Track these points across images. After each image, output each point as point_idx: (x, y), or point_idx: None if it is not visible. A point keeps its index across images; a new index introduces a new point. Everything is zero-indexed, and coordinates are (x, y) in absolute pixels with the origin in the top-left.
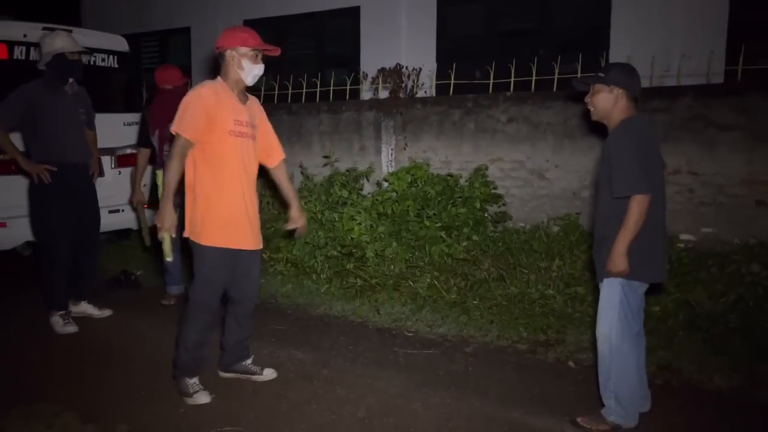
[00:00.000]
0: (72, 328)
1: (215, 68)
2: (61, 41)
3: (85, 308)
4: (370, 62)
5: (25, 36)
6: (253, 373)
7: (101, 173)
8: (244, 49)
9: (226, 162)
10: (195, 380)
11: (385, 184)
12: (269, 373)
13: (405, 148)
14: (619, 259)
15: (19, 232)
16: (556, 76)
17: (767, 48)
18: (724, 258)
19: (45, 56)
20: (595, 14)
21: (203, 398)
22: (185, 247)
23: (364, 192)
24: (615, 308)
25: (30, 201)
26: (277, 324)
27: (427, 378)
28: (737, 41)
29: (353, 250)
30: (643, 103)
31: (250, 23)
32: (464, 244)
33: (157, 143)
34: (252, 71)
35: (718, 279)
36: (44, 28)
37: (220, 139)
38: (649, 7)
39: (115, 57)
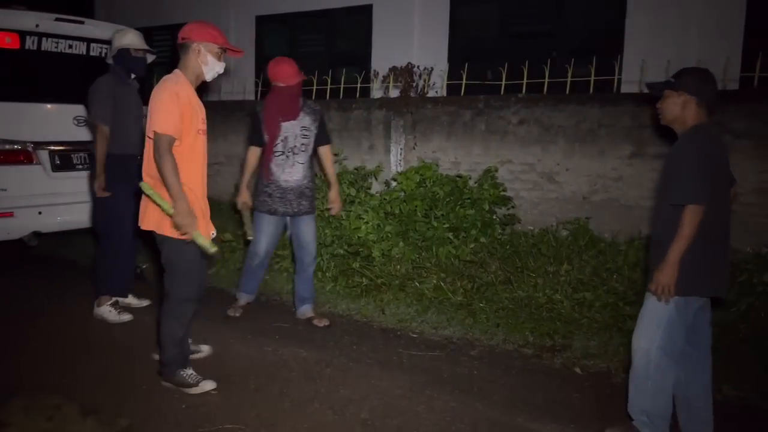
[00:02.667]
0: (127, 317)
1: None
2: (129, 38)
3: (129, 299)
4: (381, 61)
5: (37, 26)
6: (193, 353)
7: None
8: (211, 45)
9: (197, 158)
10: (191, 371)
11: (394, 184)
12: (206, 349)
13: (414, 148)
14: (671, 269)
15: (26, 222)
16: (569, 78)
17: None
18: (736, 267)
19: (112, 50)
20: (610, 17)
21: (209, 385)
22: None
23: (372, 191)
24: (661, 325)
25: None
26: (281, 321)
27: (431, 380)
28: (753, 48)
29: (360, 249)
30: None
31: (262, 19)
32: (472, 245)
33: (267, 141)
34: (214, 68)
35: (729, 288)
36: (56, 19)
37: (193, 137)
38: (664, 11)
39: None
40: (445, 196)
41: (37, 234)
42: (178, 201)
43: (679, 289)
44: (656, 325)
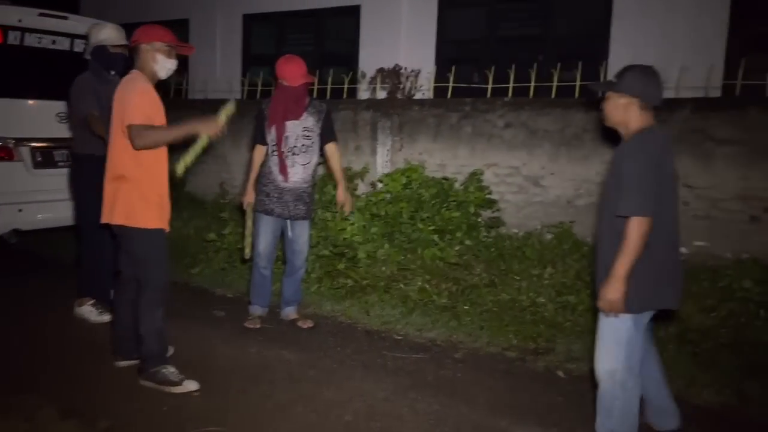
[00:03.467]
0: (108, 317)
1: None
2: (105, 33)
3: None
4: (368, 62)
5: (20, 21)
6: None
7: None
8: (159, 44)
9: (162, 154)
10: (173, 368)
11: (380, 185)
12: (169, 349)
13: (401, 150)
14: (618, 284)
15: (6, 220)
16: (555, 83)
17: (766, 62)
18: (716, 273)
19: (89, 46)
20: (596, 23)
21: (192, 385)
22: None
23: (358, 192)
24: (622, 344)
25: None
26: (265, 322)
27: (415, 383)
28: (736, 55)
29: (345, 251)
30: None
31: (249, 18)
32: (457, 248)
33: (275, 140)
34: (166, 65)
35: (709, 293)
36: (40, 14)
37: None
38: (649, 18)
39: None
40: (430, 198)
41: (17, 231)
42: (189, 127)
43: (635, 306)
44: (616, 344)
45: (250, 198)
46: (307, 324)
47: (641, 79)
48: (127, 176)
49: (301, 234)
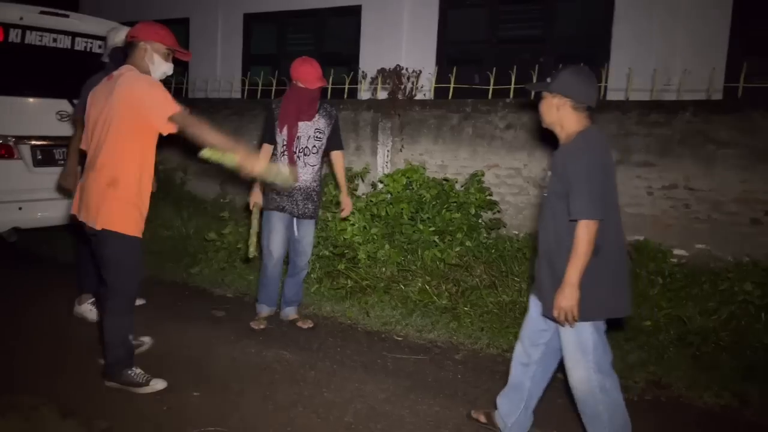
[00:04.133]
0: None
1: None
2: (122, 36)
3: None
4: (369, 62)
5: (21, 19)
6: (136, 347)
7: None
8: (158, 45)
9: (152, 157)
10: (139, 369)
11: (380, 186)
12: (147, 340)
13: (401, 150)
14: (571, 291)
15: (6, 218)
16: None
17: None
18: (717, 275)
19: (107, 49)
20: (597, 25)
21: (160, 384)
22: None
23: (359, 192)
24: (588, 350)
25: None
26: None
27: (415, 384)
28: (737, 58)
29: (345, 251)
30: (643, 116)
31: (250, 17)
32: (457, 249)
33: (285, 140)
34: (161, 68)
35: (710, 296)
36: (41, 12)
37: (152, 134)
38: (650, 21)
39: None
40: (431, 199)
41: (16, 230)
42: (238, 148)
43: (590, 313)
44: (583, 352)
45: (256, 198)
46: (307, 324)
47: (573, 79)
48: (122, 181)
49: (306, 234)
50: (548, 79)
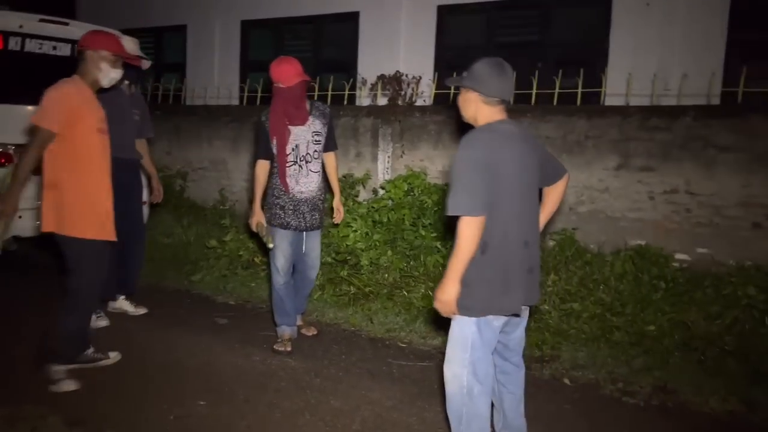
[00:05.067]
0: (104, 322)
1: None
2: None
3: (122, 304)
4: (367, 68)
5: (21, 27)
6: (99, 360)
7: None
8: (105, 53)
9: (94, 158)
10: (61, 367)
11: (381, 192)
12: (114, 355)
13: (402, 156)
14: (449, 285)
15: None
16: (557, 90)
17: (765, 70)
18: (720, 280)
19: None
20: (595, 30)
21: (71, 385)
22: None
23: (360, 198)
24: (467, 349)
25: None
26: (267, 330)
27: (422, 391)
28: (734, 63)
29: (348, 258)
30: (644, 121)
31: (247, 24)
32: None
33: (276, 151)
34: (109, 74)
35: (713, 300)
36: (41, 20)
37: (88, 136)
38: (647, 26)
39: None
40: (433, 204)
41: (16, 238)
42: (13, 188)
43: (472, 310)
44: (462, 348)
45: (259, 217)
46: (311, 331)
47: (482, 72)
48: (60, 184)
49: (314, 246)
50: (464, 74)
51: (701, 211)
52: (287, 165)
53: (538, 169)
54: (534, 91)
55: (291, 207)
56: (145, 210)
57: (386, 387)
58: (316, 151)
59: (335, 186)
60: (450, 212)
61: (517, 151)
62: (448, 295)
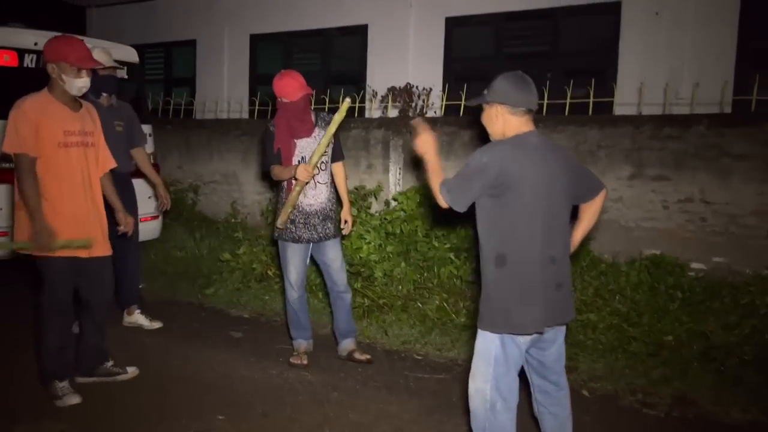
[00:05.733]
0: (158, 324)
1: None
2: (97, 55)
3: (137, 318)
4: (377, 80)
5: (36, 44)
6: (117, 374)
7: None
8: (62, 64)
9: (63, 173)
10: (65, 383)
11: (394, 203)
12: (132, 371)
13: (414, 168)
14: (424, 144)
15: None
16: (568, 100)
17: None
18: (737, 289)
19: None
20: (604, 40)
21: (74, 399)
22: None
23: (372, 210)
24: (490, 363)
25: None
26: (283, 343)
27: (440, 404)
28: (745, 71)
29: (361, 269)
30: (656, 130)
31: (256, 38)
32: (473, 265)
33: (282, 163)
34: (75, 84)
35: (731, 310)
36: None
37: (52, 151)
38: (657, 35)
39: (125, 68)
40: (445, 216)
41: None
42: (35, 221)
43: (493, 325)
44: (485, 363)
45: (304, 172)
46: (364, 356)
47: (506, 84)
48: (18, 203)
49: (335, 256)
50: (485, 92)
51: (716, 220)
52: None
53: (570, 184)
54: (545, 102)
55: (302, 220)
56: (156, 224)
57: (404, 400)
58: (323, 162)
59: (344, 196)
60: (439, 192)
61: (543, 164)
62: (423, 148)
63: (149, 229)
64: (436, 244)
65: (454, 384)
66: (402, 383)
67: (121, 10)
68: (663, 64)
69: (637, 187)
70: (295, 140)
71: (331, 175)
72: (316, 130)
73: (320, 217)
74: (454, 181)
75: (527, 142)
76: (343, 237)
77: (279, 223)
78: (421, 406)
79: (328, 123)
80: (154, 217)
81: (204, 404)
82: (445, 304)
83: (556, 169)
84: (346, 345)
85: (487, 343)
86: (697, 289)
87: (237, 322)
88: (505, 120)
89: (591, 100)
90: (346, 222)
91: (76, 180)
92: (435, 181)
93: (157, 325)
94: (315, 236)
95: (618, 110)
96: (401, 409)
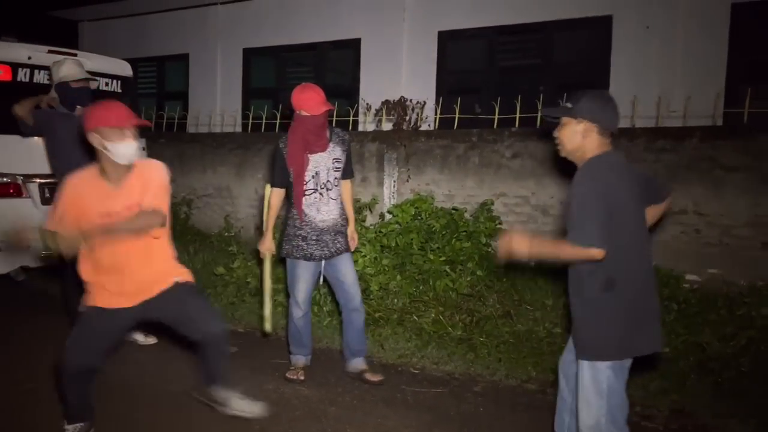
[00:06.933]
0: (153, 339)
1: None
2: (65, 69)
3: (132, 333)
4: (370, 94)
5: (29, 58)
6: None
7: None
8: (105, 129)
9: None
10: (78, 425)
11: (389, 216)
12: (258, 409)
13: (408, 181)
14: (519, 243)
15: (14, 256)
16: None
17: (765, 91)
18: (732, 300)
19: (53, 84)
20: (596, 52)
21: None
22: None
23: (367, 223)
24: (603, 395)
25: None
26: (278, 358)
27: (437, 418)
28: (736, 84)
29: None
30: (650, 143)
31: (249, 52)
32: (469, 278)
33: (293, 180)
34: (119, 150)
35: (727, 321)
36: (49, 51)
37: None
38: (648, 49)
39: (119, 82)
40: (440, 228)
41: (24, 268)
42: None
43: (612, 352)
44: (597, 394)
45: (269, 244)
46: (376, 377)
47: (599, 103)
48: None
49: (347, 271)
50: (567, 104)
51: (710, 232)
52: (307, 193)
53: (643, 196)
54: (539, 115)
55: (314, 237)
56: None
57: (402, 414)
58: (336, 178)
59: (350, 213)
60: (578, 243)
61: (628, 182)
62: (520, 248)
63: None
64: (432, 257)
65: (451, 398)
66: (399, 397)
67: (114, 24)
68: (655, 77)
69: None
70: (309, 155)
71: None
72: (331, 145)
73: (332, 233)
74: (581, 228)
75: (614, 162)
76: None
77: (266, 328)
78: (418, 420)
79: (342, 139)
80: None
81: (201, 420)
82: (441, 317)
83: (635, 185)
84: (357, 364)
85: (596, 373)
86: (692, 301)
87: (232, 337)
88: (591, 139)
89: None
90: (352, 239)
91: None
92: (563, 249)
93: (152, 340)
94: (327, 253)
95: None
96: (399, 423)
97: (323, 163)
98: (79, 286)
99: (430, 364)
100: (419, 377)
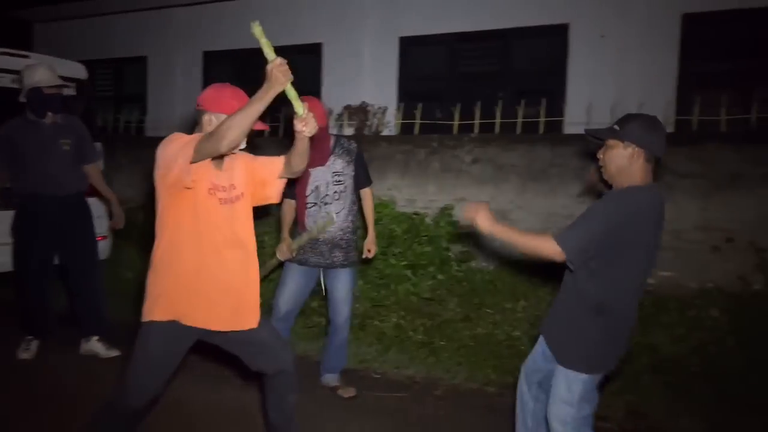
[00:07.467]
0: (26, 355)
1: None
2: (38, 75)
3: (93, 346)
4: (331, 98)
5: None
6: None
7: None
8: (223, 116)
9: (202, 228)
10: None
11: None
12: None
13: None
14: (489, 226)
15: None
16: (520, 119)
17: (715, 99)
18: (684, 302)
19: (24, 89)
20: (554, 60)
21: None
22: None
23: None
24: (574, 404)
25: (11, 230)
26: (240, 365)
27: (398, 423)
28: (686, 93)
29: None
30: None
31: (208, 55)
32: (430, 282)
33: (302, 190)
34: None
35: (679, 323)
36: (1, 53)
37: (203, 195)
38: (603, 57)
39: (74, 84)
40: (402, 233)
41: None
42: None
43: (593, 366)
44: (568, 403)
45: (284, 250)
46: (348, 393)
47: (648, 128)
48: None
49: (340, 287)
50: (615, 126)
51: (663, 236)
52: (308, 206)
53: (657, 240)
54: (498, 121)
55: (309, 246)
56: (105, 244)
57: (363, 420)
58: (336, 192)
59: (370, 224)
60: (558, 239)
61: (654, 221)
62: (483, 222)
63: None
64: (393, 261)
65: (412, 402)
66: (359, 402)
67: (69, 25)
68: (610, 85)
69: (587, 204)
70: (309, 169)
71: (353, 202)
72: (332, 158)
73: (328, 246)
74: (570, 230)
75: (648, 205)
76: (365, 261)
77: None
78: (379, 425)
79: (346, 149)
80: (102, 238)
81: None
82: (402, 322)
83: (659, 228)
84: (331, 379)
85: (572, 383)
86: (645, 303)
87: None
88: (638, 165)
89: (542, 119)
90: (369, 251)
91: (218, 244)
92: (526, 239)
93: (114, 353)
94: (323, 262)
95: (568, 129)
96: (359, 428)
97: (322, 177)
98: (43, 304)
99: (392, 369)
100: (380, 382)
